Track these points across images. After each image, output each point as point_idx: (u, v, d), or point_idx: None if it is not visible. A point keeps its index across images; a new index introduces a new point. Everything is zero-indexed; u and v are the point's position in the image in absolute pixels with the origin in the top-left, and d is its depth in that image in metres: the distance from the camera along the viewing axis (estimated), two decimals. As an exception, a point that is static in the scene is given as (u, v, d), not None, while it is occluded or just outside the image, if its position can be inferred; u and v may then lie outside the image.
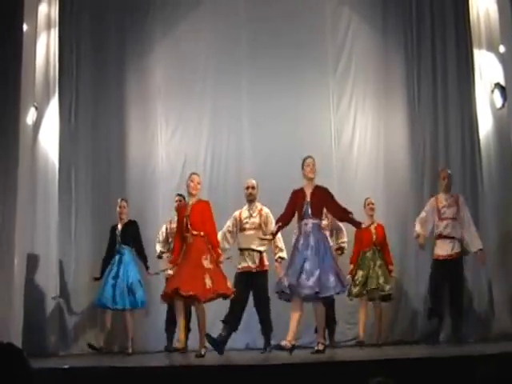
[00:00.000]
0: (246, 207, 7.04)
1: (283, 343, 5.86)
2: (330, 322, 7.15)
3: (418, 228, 7.17)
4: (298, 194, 6.20)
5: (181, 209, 6.61)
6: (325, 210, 6.45)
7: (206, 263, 6.08)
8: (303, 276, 5.83)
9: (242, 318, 6.78)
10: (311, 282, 5.82)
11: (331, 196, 6.17)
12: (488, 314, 7.55)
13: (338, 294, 6.16)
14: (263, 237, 6.58)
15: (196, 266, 6.06)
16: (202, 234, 6.21)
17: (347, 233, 7.33)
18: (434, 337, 7.11)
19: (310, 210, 6.08)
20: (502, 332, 7.11)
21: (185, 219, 6.25)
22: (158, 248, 7.56)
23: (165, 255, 7.45)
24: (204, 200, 6.46)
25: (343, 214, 6.17)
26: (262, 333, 6.95)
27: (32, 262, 7.22)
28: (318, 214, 6.14)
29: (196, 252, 6.14)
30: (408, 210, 7.98)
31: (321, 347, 6.01)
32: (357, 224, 6.19)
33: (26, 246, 6.77)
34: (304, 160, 6.25)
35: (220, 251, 6.32)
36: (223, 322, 6.71)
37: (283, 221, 6.22)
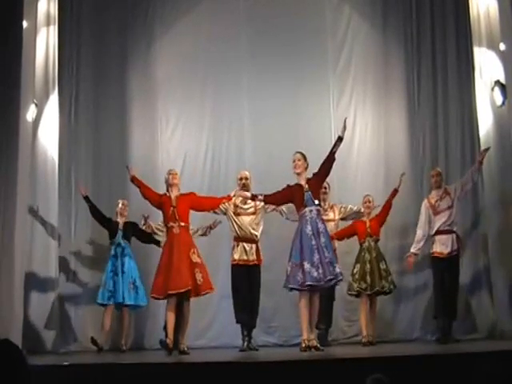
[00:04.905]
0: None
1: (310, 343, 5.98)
2: (327, 320, 7.16)
3: (413, 247, 7.22)
4: (294, 188, 6.30)
5: (165, 200, 6.62)
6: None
7: (194, 257, 6.30)
8: (321, 267, 5.91)
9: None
10: (328, 271, 5.93)
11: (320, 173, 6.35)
12: (488, 311, 7.56)
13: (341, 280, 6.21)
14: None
15: (186, 262, 6.23)
16: (186, 225, 6.43)
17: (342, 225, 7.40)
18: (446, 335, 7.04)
19: (311, 195, 6.19)
20: (503, 330, 7.11)
21: (171, 209, 6.42)
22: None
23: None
24: (188, 192, 6.72)
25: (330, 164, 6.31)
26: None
27: (32, 259, 7.23)
28: (318, 199, 6.27)
29: (184, 246, 6.32)
30: (408, 208, 7.95)
31: (305, 344, 6.03)
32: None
33: (26, 243, 6.78)
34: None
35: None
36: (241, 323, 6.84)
37: (267, 196, 6.35)
